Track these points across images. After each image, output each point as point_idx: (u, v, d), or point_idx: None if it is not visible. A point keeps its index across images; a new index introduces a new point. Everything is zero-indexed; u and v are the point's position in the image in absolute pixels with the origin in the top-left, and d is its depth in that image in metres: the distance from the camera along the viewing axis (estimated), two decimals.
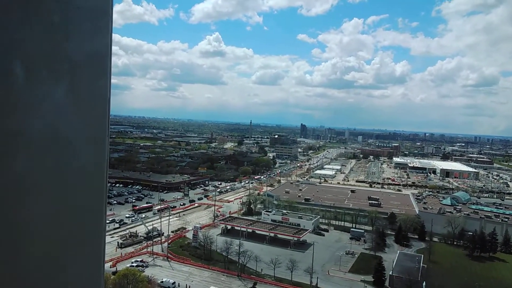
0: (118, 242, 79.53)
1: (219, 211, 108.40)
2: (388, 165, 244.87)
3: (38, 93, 1.46)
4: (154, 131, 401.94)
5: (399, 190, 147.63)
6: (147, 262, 72.18)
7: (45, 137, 1.51)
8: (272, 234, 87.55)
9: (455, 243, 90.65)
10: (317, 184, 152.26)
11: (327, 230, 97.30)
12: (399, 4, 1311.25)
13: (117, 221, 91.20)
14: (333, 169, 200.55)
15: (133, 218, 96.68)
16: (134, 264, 68.28)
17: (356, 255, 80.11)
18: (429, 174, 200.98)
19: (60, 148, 1.57)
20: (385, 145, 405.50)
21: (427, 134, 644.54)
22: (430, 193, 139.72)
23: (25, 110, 1.43)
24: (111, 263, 68.05)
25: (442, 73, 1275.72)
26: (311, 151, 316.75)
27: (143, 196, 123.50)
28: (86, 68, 1.62)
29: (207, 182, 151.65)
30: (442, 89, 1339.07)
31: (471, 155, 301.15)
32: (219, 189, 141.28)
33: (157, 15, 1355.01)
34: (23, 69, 1.42)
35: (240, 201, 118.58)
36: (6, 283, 1.41)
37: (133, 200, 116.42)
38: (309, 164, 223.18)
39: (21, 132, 1.43)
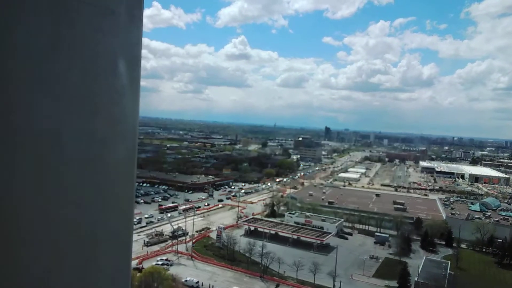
0: (144, 241, 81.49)
1: (243, 212, 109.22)
2: (414, 169, 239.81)
3: (72, 93, 1.51)
4: (181, 132, 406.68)
5: (426, 195, 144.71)
6: (172, 261, 73.81)
7: (81, 134, 1.55)
8: (295, 237, 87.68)
9: (484, 250, 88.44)
10: (341, 187, 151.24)
11: (350, 234, 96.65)
12: (426, 6, 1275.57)
13: (136, 223, 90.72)
14: (357, 172, 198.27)
15: (152, 219, 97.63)
16: (160, 263, 70.08)
17: (380, 260, 79.31)
18: (457, 179, 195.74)
19: (94, 146, 1.60)
20: (411, 148, 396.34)
21: (455, 138, 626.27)
22: (458, 198, 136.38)
23: (63, 110, 1.47)
24: (137, 260, 69.73)
25: (472, 76, 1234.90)
26: (335, 154, 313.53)
27: (169, 196, 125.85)
28: (118, 71, 1.68)
29: (231, 183, 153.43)
30: (471, 92, 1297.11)
31: (501, 160, 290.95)
32: (243, 190, 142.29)
33: (185, 19, 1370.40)
34: (59, 71, 1.46)
35: (263, 203, 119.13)
36: (37, 279, 1.43)
37: (159, 200, 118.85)
38: (333, 167, 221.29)
39: (57, 130, 1.46)
